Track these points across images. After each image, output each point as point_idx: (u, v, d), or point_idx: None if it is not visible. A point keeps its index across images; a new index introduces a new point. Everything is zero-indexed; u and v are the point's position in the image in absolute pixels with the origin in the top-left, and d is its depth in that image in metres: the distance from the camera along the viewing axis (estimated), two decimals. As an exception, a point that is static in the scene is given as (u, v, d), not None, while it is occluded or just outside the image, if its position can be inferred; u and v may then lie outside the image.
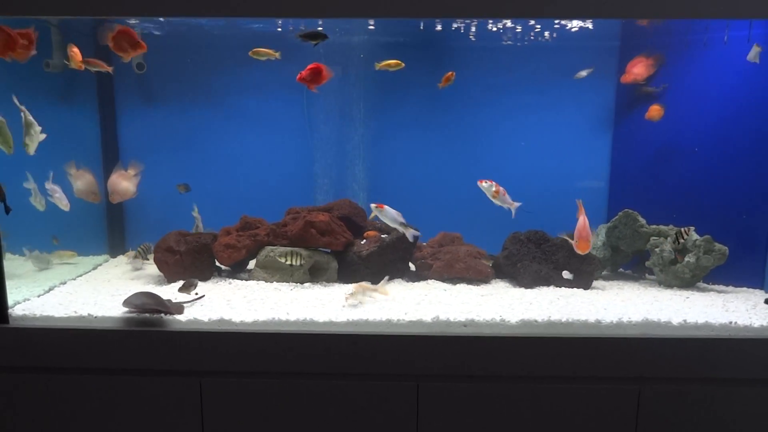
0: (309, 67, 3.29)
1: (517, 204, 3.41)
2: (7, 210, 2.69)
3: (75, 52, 3.32)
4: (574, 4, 2.54)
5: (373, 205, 3.27)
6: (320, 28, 3.38)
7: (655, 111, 3.76)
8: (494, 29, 3.79)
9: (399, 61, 3.59)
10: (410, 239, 3.38)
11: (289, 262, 3.34)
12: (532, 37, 3.86)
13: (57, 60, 3.76)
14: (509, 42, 3.94)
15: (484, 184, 3.33)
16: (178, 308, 2.87)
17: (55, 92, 4.00)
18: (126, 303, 2.82)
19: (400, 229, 3.35)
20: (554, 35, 3.83)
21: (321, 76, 3.30)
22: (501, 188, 3.32)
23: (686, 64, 3.70)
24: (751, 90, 3.44)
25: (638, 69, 3.76)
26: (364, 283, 3.15)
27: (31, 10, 2.64)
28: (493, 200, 3.35)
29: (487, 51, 4.00)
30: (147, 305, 2.80)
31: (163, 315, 2.77)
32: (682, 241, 3.22)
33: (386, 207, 3.28)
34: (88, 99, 4.13)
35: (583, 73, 3.84)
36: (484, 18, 2.71)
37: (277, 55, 3.46)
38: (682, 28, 3.65)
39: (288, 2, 2.55)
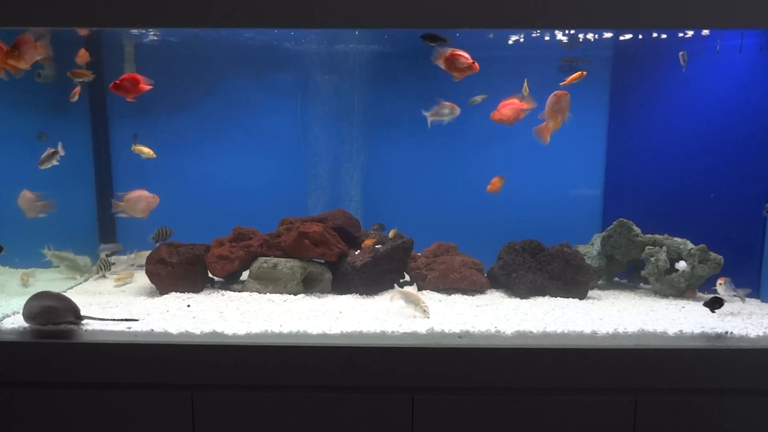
0: (124, 76, 3.31)
1: None
2: (0, 249, 2.76)
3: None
4: (567, 15, 2.54)
5: None
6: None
7: (496, 183, 3.72)
8: (487, 38, 3.81)
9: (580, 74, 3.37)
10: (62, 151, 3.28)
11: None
12: (521, 42, 3.86)
13: (48, 70, 3.75)
14: (503, 51, 3.95)
15: None
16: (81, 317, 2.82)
17: (47, 102, 3.97)
18: (28, 317, 2.76)
19: None
20: (549, 42, 3.84)
21: (137, 87, 3.30)
22: None
23: (679, 72, 3.71)
24: (745, 98, 3.45)
25: (506, 111, 3.61)
26: (411, 292, 3.08)
27: (27, 22, 2.64)
28: None
29: (481, 60, 3.99)
30: (50, 311, 2.74)
31: (73, 326, 2.75)
32: None
33: None
34: (80, 108, 4.11)
35: (478, 99, 3.81)
36: (477, 28, 2.72)
37: (91, 76, 3.53)
38: (674, 38, 3.66)
39: (280, 13, 2.55)
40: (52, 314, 2.75)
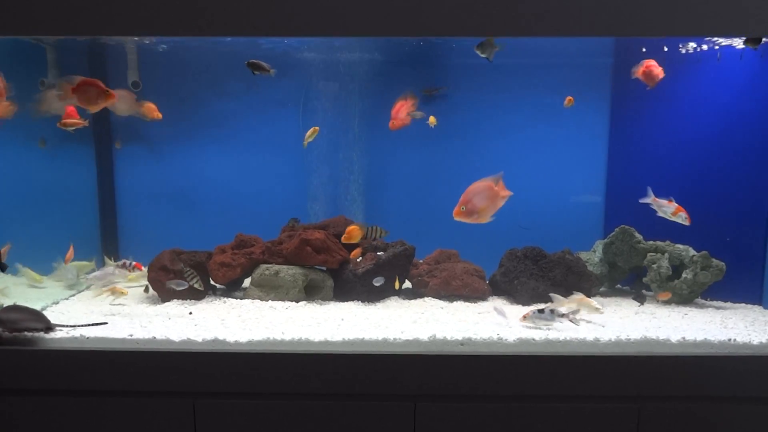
0: None
1: None
2: (4, 268, 2.82)
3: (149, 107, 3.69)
4: (563, 23, 2.55)
5: None
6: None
7: (352, 231, 3.66)
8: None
9: None
10: None
11: None
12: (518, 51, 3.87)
13: (52, 79, 3.76)
14: (503, 58, 3.96)
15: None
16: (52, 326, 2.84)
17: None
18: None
19: None
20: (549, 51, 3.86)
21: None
22: None
23: (681, 78, 3.72)
24: (746, 105, 3.45)
25: (403, 114, 3.69)
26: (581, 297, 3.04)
27: (25, 30, 2.65)
28: None
29: (481, 68, 4.02)
30: (20, 322, 2.76)
31: (42, 333, 2.75)
32: None
33: None
34: (82, 115, 4.12)
35: (417, 114, 3.83)
36: (473, 36, 2.73)
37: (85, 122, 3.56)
38: (675, 44, 3.67)
39: (276, 22, 2.57)
40: (19, 322, 2.77)
